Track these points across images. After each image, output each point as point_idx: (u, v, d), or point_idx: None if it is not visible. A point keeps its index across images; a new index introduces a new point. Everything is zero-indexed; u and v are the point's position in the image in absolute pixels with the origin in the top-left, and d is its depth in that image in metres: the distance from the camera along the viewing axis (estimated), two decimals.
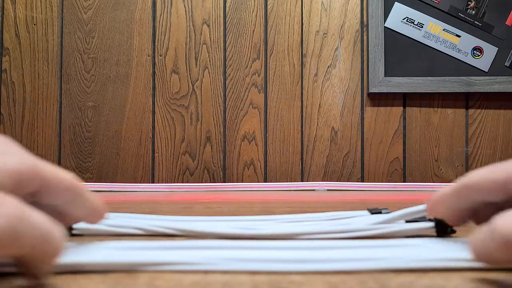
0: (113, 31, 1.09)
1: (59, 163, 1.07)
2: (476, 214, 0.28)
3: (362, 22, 1.09)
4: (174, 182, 1.07)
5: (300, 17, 1.09)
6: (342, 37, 1.09)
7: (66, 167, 1.07)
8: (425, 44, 1.07)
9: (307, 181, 1.07)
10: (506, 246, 0.20)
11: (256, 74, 1.09)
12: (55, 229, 0.20)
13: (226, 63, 1.09)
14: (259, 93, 1.09)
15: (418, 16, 1.07)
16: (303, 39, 1.09)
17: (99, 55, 1.09)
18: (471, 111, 1.08)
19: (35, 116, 1.08)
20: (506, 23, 1.07)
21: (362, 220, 0.36)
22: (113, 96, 1.09)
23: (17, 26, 1.09)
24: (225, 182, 1.07)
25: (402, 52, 1.07)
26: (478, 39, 1.07)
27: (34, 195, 0.23)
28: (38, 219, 0.19)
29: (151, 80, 1.09)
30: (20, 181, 0.21)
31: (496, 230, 0.20)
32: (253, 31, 1.09)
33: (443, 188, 0.28)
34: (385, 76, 1.07)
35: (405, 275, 0.23)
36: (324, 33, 1.09)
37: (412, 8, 1.07)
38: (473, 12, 1.07)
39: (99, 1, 1.09)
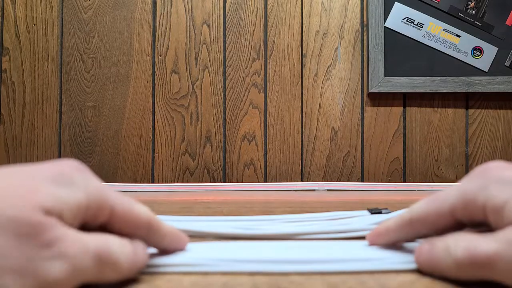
0: (113, 31, 1.09)
1: None
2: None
3: (362, 22, 1.09)
4: (174, 182, 1.07)
5: (300, 17, 1.09)
6: (342, 37, 1.09)
7: None
8: (425, 44, 1.07)
9: (307, 181, 1.07)
10: (457, 266, 0.21)
11: (256, 74, 1.09)
12: (114, 253, 0.21)
13: (226, 63, 1.09)
14: (259, 93, 1.09)
15: (418, 16, 1.07)
16: (303, 39, 1.09)
17: (99, 55, 1.09)
18: (471, 111, 1.08)
19: (35, 116, 1.08)
20: (506, 23, 1.07)
21: (362, 220, 0.36)
22: (113, 96, 1.09)
23: (17, 26, 1.09)
24: (225, 182, 1.07)
25: (402, 52, 1.07)
26: (478, 39, 1.07)
27: (105, 226, 0.23)
28: (94, 248, 0.20)
29: (151, 80, 1.09)
30: (85, 214, 0.21)
31: (450, 250, 0.22)
32: (253, 31, 1.09)
33: (389, 220, 0.28)
34: (385, 76, 1.07)
35: (405, 275, 0.23)
36: (324, 33, 1.09)
37: (412, 8, 1.07)
38: (473, 12, 1.07)
39: (99, 1, 1.09)
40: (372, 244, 0.28)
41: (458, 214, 0.24)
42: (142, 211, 0.23)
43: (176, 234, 0.26)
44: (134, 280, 0.22)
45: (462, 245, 0.21)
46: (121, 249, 0.21)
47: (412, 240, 0.28)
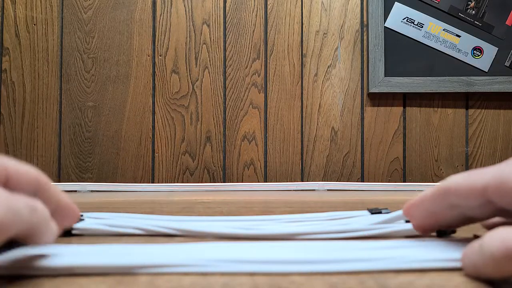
0: (113, 31, 1.09)
1: (59, 163, 1.07)
2: (451, 222, 0.28)
3: (362, 22, 1.09)
4: (174, 182, 1.07)
5: (300, 17, 1.09)
6: (342, 37, 1.09)
7: (66, 167, 1.07)
8: (425, 44, 1.07)
9: (307, 181, 1.07)
10: (493, 262, 0.20)
11: (256, 74, 1.09)
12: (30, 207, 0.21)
13: (226, 63, 1.09)
14: (259, 93, 1.09)
15: (418, 16, 1.07)
16: (303, 39, 1.09)
17: (99, 55, 1.09)
18: (471, 111, 1.08)
19: (35, 116, 1.08)
20: (506, 23, 1.07)
21: (362, 220, 0.36)
22: (113, 96, 1.09)
23: (17, 26, 1.09)
24: (225, 182, 1.07)
25: (402, 52, 1.07)
26: (478, 39, 1.07)
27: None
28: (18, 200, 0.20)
29: (151, 80, 1.09)
30: None
31: (485, 246, 0.21)
32: (253, 31, 1.09)
33: (424, 190, 0.28)
34: (385, 76, 1.07)
35: (405, 275, 0.23)
36: (324, 33, 1.09)
37: (412, 8, 1.07)
38: (473, 12, 1.07)
39: (99, 1, 1.09)
40: (407, 215, 0.29)
41: (490, 193, 0.23)
42: (30, 168, 0.24)
43: (66, 199, 0.26)
44: (133, 279, 0.22)
45: (498, 238, 0.20)
46: (31, 201, 0.22)
47: (446, 214, 0.27)
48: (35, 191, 0.24)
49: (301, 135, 1.08)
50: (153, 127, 1.09)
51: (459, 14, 1.07)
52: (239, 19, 1.09)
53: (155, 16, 1.09)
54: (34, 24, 1.09)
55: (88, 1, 1.09)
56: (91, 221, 0.36)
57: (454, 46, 1.07)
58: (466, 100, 1.09)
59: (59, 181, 1.07)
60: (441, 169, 1.07)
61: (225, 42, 1.09)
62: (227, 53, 1.09)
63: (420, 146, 1.08)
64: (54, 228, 0.23)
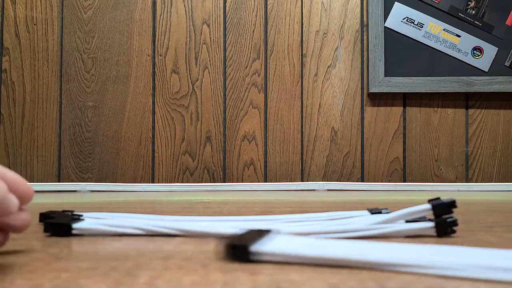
0: (113, 31, 1.09)
1: (59, 163, 1.07)
2: None
3: (362, 22, 1.09)
4: (174, 182, 1.07)
5: (300, 17, 1.09)
6: (342, 37, 1.09)
7: (66, 167, 1.07)
8: (425, 44, 1.07)
9: (307, 181, 1.07)
10: None
11: (256, 74, 1.09)
12: None
13: (226, 63, 1.09)
14: (259, 93, 1.09)
15: (418, 16, 1.07)
16: (303, 39, 1.09)
17: (99, 55, 1.09)
18: (471, 111, 1.08)
19: (35, 116, 1.08)
20: (506, 23, 1.07)
21: (362, 220, 0.36)
22: (113, 96, 1.09)
23: (17, 26, 1.09)
24: (225, 182, 1.07)
25: (402, 52, 1.07)
26: (478, 39, 1.07)
27: None
28: None
29: (151, 80, 1.09)
30: None
31: None
32: (253, 31, 1.09)
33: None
34: (385, 76, 1.07)
35: (405, 275, 0.23)
36: (324, 33, 1.09)
37: (412, 8, 1.07)
38: (473, 12, 1.07)
39: (99, 1, 1.09)
40: None
41: None
42: None
43: (19, 179, 0.27)
44: (133, 278, 0.22)
45: None
46: None
47: None
48: None
49: (301, 135, 1.08)
50: (153, 127, 1.09)
51: (459, 14, 1.07)
52: (239, 19, 1.10)
53: (155, 16, 1.09)
54: (34, 24, 1.09)
55: (88, 1, 1.09)
56: (91, 221, 0.36)
57: (454, 46, 1.07)
58: (466, 100, 1.09)
59: (59, 181, 1.07)
60: (441, 169, 1.07)
61: (225, 42, 1.09)
62: (227, 53, 1.09)
63: (420, 146, 1.08)
64: (14, 200, 0.24)
